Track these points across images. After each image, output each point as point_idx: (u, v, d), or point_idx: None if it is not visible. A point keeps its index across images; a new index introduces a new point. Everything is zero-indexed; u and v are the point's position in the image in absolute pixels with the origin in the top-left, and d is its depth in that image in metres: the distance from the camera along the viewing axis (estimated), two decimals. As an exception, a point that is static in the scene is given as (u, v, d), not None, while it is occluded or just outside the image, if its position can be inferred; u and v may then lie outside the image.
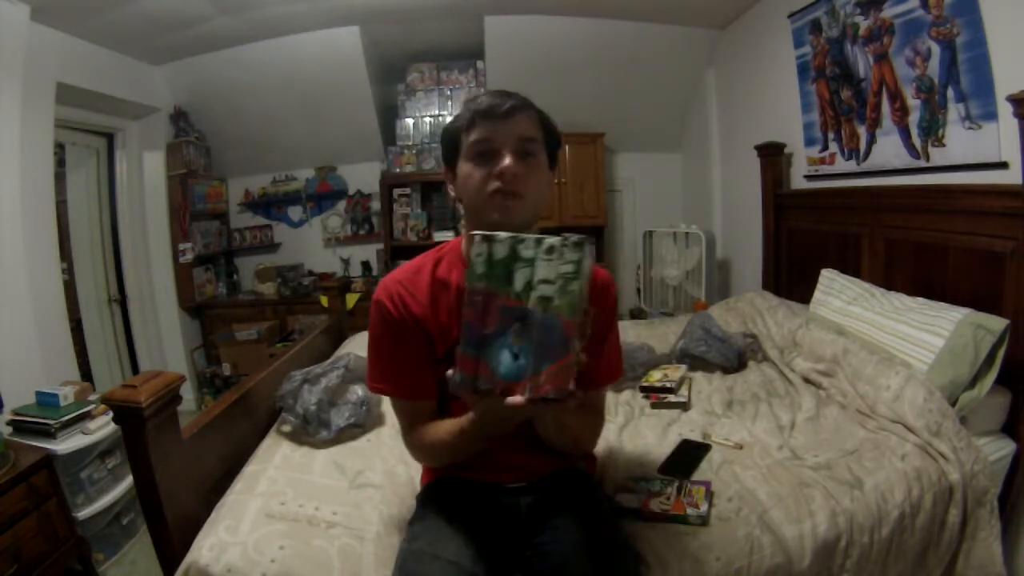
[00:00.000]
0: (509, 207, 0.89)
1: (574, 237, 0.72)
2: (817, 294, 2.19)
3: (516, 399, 0.73)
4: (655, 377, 1.84)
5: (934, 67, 1.81)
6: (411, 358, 0.97)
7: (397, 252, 3.71)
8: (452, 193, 1.00)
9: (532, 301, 0.71)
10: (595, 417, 1.10)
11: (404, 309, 0.96)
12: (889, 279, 2.05)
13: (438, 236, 3.60)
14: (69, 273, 2.99)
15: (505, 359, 0.72)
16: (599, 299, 0.97)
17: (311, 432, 1.49)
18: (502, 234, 0.72)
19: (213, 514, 1.16)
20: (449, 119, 0.96)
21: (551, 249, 0.71)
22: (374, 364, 1.01)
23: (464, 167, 0.93)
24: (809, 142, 2.58)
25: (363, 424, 1.55)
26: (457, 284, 0.96)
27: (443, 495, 1.05)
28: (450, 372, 0.77)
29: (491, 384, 0.74)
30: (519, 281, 0.71)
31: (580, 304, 0.71)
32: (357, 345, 2.17)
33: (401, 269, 1.03)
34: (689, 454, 1.40)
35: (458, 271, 0.98)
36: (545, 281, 0.71)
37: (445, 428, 0.96)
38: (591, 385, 1.05)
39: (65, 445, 1.89)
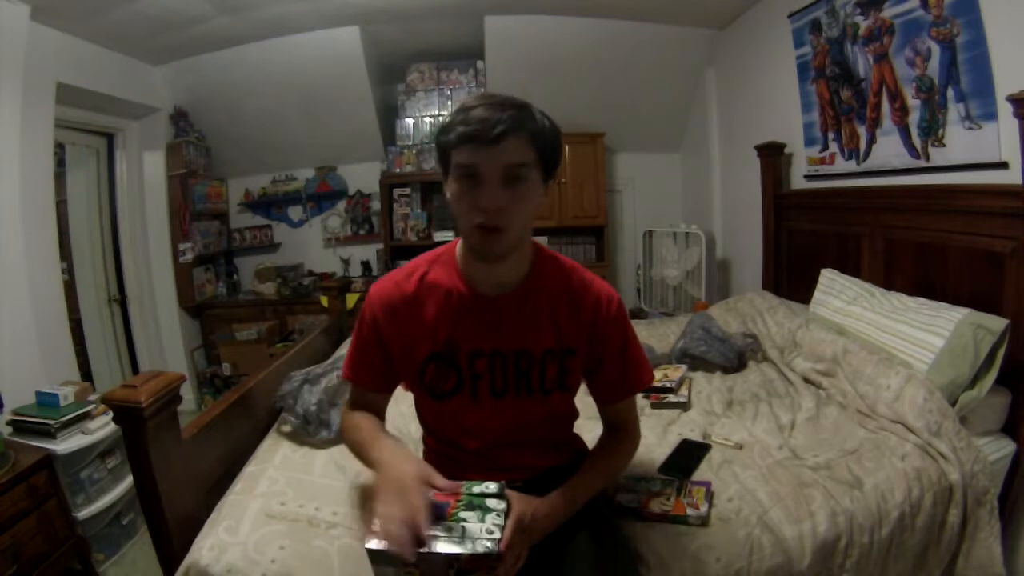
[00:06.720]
0: (490, 240, 0.87)
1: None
2: (817, 294, 2.19)
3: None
4: (655, 377, 1.84)
5: (934, 67, 1.81)
6: (371, 356, 1.02)
7: (397, 252, 3.71)
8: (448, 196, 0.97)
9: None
10: (622, 434, 1.15)
11: (380, 315, 1.00)
12: (889, 279, 2.05)
13: (438, 236, 3.59)
14: (69, 273, 2.98)
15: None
16: (605, 328, 1.04)
17: (311, 432, 1.49)
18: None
19: (213, 514, 1.16)
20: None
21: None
22: (349, 352, 1.07)
23: (451, 185, 0.90)
24: (809, 142, 2.58)
25: (363, 424, 1.55)
26: (448, 288, 0.98)
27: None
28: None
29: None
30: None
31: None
32: (357, 345, 2.17)
33: (397, 271, 1.04)
34: (689, 454, 1.40)
35: (450, 275, 0.99)
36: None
37: (367, 441, 0.96)
38: (614, 397, 1.10)
39: (65, 445, 1.89)
